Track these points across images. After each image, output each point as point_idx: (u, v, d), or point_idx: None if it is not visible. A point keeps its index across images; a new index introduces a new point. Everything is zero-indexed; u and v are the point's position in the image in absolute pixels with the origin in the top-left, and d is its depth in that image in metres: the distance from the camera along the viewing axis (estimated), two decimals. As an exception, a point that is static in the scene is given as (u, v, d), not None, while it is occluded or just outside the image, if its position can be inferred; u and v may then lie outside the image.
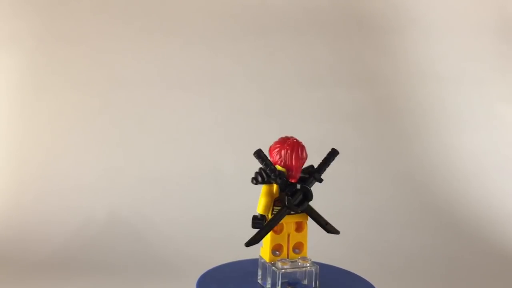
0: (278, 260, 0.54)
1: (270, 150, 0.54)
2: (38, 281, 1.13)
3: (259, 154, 0.52)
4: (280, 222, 0.53)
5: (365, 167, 1.42)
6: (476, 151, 1.44)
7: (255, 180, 0.53)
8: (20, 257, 1.23)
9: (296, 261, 0.55)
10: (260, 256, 0.57)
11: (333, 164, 0.55)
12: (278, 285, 0.53)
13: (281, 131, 0.58)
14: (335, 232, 0.55)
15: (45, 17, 1.45)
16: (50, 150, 1.43)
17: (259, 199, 0.53)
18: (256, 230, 0.53)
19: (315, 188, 0.54)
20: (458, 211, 1.37)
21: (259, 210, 0.53)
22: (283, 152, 0.53)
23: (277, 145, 0.54)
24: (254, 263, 0.58)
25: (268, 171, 0.52)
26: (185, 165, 1.41)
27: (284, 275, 0.53)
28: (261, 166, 0.53)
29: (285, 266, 0.53)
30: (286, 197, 0.53)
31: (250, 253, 0.58)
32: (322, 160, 0.55)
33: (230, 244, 1.19)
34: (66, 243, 1.28)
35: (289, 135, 0.55)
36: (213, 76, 1.45)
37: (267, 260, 0.55)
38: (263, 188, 0.54)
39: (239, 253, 0.67)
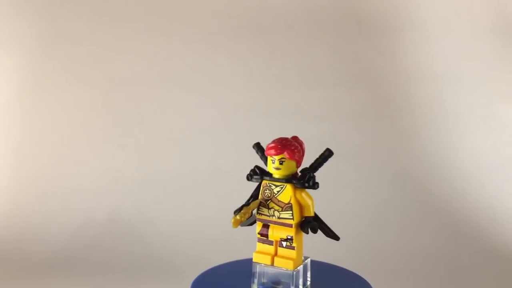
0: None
1: (295, 151, 0.52)
2: (38, 281, 1.13)
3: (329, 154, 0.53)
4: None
5: (365, 167, 1.42)
6: (476, 151, 1.44)
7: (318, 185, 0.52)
8: (20, 257, 1.24)
9: None
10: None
11: (333, 164, 0.55)
12: (261, 284, 0.53)
13: (281, 131, 0.58)
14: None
15: (45, 17, 1.45)
16: (50, 150, 1.43)
17: (310, 203, 0.52)
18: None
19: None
20: (458, 211, 1.37)
21: (313, 213, 0.53)
22: (303, 149, 0.53)
23: (294, 147, 0.52)
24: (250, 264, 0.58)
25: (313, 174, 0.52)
26: (185, 165, 1.41)
27: (269, 275, 0.53)
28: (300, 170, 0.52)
29: (268, 266, 0.53)
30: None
31: (249, 253, 0.58)
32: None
33: (230, 244, 1.20)
34: (66, 243, 1.28)
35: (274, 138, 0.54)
36: (213, 76, 1.45)
37: (254, 260, 0.55)
38: (307, 191, 0.53)
39: (239, 253, 0.67)
